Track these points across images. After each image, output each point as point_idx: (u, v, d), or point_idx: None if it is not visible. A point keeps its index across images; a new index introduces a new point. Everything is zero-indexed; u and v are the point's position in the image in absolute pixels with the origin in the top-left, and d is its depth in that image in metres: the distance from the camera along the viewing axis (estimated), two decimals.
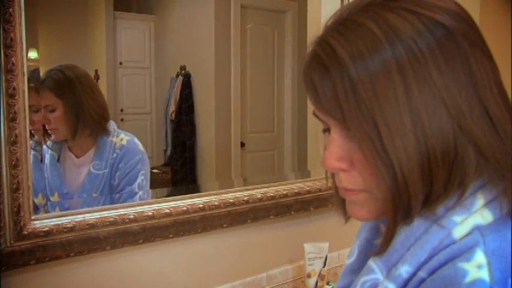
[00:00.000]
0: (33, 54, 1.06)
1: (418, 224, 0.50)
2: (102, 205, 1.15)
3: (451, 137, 0.48)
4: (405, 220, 0.51)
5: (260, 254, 1.36)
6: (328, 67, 0.49)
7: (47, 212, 1.13)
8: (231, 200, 1.24)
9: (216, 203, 1.22)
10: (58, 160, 1.22)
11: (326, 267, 1.36)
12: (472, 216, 0.48)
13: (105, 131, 1.26)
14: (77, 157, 1.24)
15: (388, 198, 0.49)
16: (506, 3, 1.68)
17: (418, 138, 0.47)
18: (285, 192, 1.35)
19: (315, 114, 0.55)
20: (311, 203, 1.41)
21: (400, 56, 0.47)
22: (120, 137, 1.27)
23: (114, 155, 1.24)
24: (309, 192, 1.40)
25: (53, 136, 1.21)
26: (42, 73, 1.18)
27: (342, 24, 0.51)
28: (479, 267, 0.44)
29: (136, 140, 1.31)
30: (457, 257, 0.46)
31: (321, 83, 0.50)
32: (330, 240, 1.38)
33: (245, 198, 1.27)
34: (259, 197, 1.29)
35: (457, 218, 0.48)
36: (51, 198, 1.19)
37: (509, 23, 1.63)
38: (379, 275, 0.52)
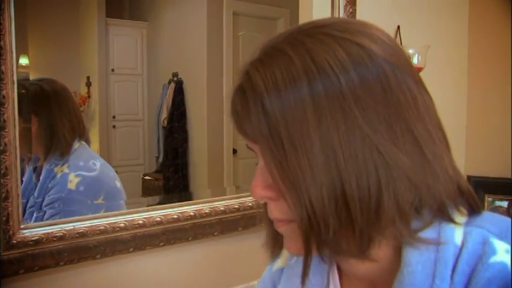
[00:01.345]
0: (23, 61, 1.05)
1: (420, 253, 0.48)
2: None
3: (372, 171, 0.45)
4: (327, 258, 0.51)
5: (251, 262, 1.35)
6: (247, 95, 0.48)
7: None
8: (222, 208, 1.24)
9: (207, 211, 1.22)
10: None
11: None
12: (455, 223, 0.48)
13: (63, 156, 1.20)
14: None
15: (301, 229, 0.47)
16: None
17: (330, 173, 0.45)
18: None
19: (247, 144, 0.54)
20: None
21: (316, 88, 0.45)
22: (68, 174, 1.18)
23: (47, 185, 1.17)
24: None
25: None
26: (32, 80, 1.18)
27: (264, 52, 0.50)
28: (507, 251, 0.45)
29: (88, 183, 1.19)
30: (480, 257, 0.45)
31: (242, 110, 0.49)
32: None
33: (236, 206, 1.27)
34: (250, 204, 1.29)
35: (450, 228, 0.48)
36: None
37: (510, 23, 1.64)
38: None
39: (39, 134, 1.17)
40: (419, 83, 0.50)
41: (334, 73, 0.45)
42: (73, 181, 1.15)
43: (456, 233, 0.48)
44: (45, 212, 1.12)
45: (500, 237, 0.46)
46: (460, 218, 0.49)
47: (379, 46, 0.48)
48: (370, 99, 0.45)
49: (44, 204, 1.13)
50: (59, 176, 1.16)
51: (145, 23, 1.88)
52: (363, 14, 1.54)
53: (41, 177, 1.16)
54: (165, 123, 1.90)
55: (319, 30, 0.48)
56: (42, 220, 1.10)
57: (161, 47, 1.93)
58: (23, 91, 1.04)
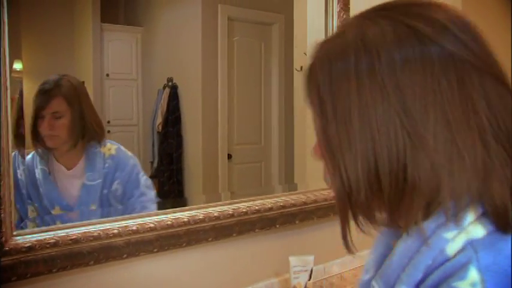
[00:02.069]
0: (17, 66, 1.05)
1: (411, 242, 0.50)
2: (101, 217, 1.17)
3: (400, 149, 0.48)
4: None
5: (245, 267, 1.36)
6: (310, 64, 0.56)
7: (38, 226, 1.14)
8: (216, 214, 1.24)
9: (200, 216, 1.22)
10: (49, 173, 1.21)
11: (311, 280, 1.36)
12: (464, 231, 0.48)
13: (100, 141, 1.28)
14: (68, 169, 1.23)
15: (336, 195, 0.53)
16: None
17: (365, 143, 0.49)
18: (270, 205, 1.35)
19: None
20: (296, 216, 1.41)
21: (360, 65, 0.50)
22: (108, 147, 1.28)
23: (106, 165, 1.25)
24: (294, 205, 1.40)
25: (48, 142, 1.20)
26: (25, 85, 1.18)
27: (335, 31, 0.58)
28: (473, 285, 0.44)
29: (122, 147, 1.33)
30: (452, 276, 0.46)
31: (304, 77, 0.57)
32: (316, 253, 1.38)
33: (230, 212, 1.27)
34: (244, 210, 1.29)
35: (448, 235, 0.48)
36: (52, 212, 1.18)
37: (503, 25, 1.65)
38: None
39: (71, 124, 1.22)
40: (490, 75, 0.50)
41: (377, 52, 0.49)
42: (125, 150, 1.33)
43: (452, 244, 0.48)
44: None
45: (482, 270, 0.45)
46: (475, 228, 0.48)
47: (436, 30, 0.49)
48: (408, 80, 0.48)
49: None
50: (113, 153, 1.28)
51: (140, 28, 1.88)
52: None
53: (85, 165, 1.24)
54: (160, 128, 1.90)
55: (380, 13, 0.53)
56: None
57: (156, 52, 1.93)
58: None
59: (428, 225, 0.49)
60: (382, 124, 0.48)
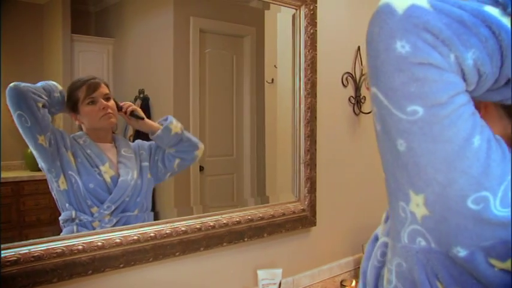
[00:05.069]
0: None
1: None
2: None
3: None
4: None
5: (214, 281, 1.35)
6: None
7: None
8: (183, 228, 1.24)
9: (167, 231, 1.21)
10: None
11: None
12: None
13: None
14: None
15: None
16: None
17: None
18: (238, 219, 1.36)
19: None
20: (265, 229, 1.42)
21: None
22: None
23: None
24: (262, 218, 1.41)
25: (104, 123, 1.31)
26: None
27: None
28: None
29: None
30: None
31: None
32: (284, 266, 1.39)
33: (198, 226, 1.27)
34: (212, 224, 1.29)
35: None
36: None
37: None
38: None
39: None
40: None
41: None
42: None
43: None
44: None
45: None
46: None
47: None
48: None
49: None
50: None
51: (112, 39, 1.87)
52: (323, 35, 1.58)
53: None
54: (131, 140, 1.89)
55: None
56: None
57: (127, 64, 1.92)
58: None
59: None
60: None
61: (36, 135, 1.12)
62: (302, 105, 1.64)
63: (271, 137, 1.85)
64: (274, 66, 1.81)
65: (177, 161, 1.43)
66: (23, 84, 1.15)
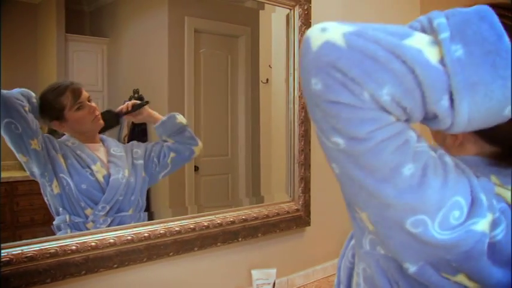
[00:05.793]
0: None
1: None
2: None
3: None
4: None
5: (208, 282, 1.36)
6: None
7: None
8: (177, 229, 1.24)
9: (161, 231, 1.21)
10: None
11: None
12: None
13: None
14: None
15: None
16: None
17: None
18: (232, 219, 1.36)
19: None
20: (259, 229, 1.42)
21: None
22: None
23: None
24: (256, 218, 1.41)
25: (95, 125, 1.32)
26: None
27: None
28: None
29: None
30: None
31: None
32: (278, 266, 1.39)
33: (191, 226, 1.27)
34: (206, 224, 1.29)
35: None
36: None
37: None
38: None
39: None
40: None
41: None
42: None
43: None
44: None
45: None
46: None
47: None
48: None
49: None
50: None
51: (106, 39, 1.86)
52: None
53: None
54: (126, 140, 1.88)
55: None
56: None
57: (122, 64, 1.91)
58: None
59: None
60: None
61: (29, 140, 1.11)
62: (296, 105, 1.64)
63: (266, 137, 1.85)
64: (269, 66, 1.81)
65: (172, 154, 1.42)
66: (4, 91, 1.11)
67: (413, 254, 0.51)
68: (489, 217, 0.50)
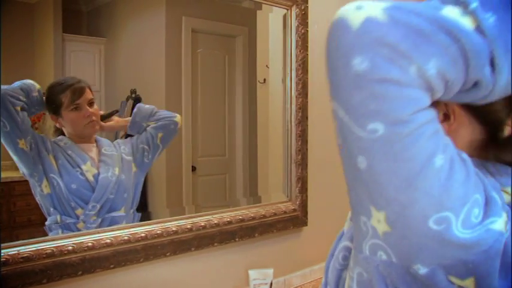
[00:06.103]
0: None
1: None
2: None
3: None
4: None
5: (205, 282, 1.36)
6: None
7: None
8: (174, 229, 1.24)
9: (158, 231, 1.21)
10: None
11: None
12: None
13: None
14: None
15: None
16: None
17: None
18: (229, 219, 1.36)
19: None
20: (256, 229, 1.42)
21: None
22: None
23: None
24: (253, 218, 1.41)
25: (88, 130, 1.29)
26: None
27: None
28: None
29: None
30: None
31: None
32: (275, 266, 1.39)
33: (188, 226, 1.27)
34: (202, 224, 1.29)
35: None
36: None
37: None
38: None
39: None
40: None
41: None
42: None
43: None
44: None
45: None
46: None
47: None
48: None
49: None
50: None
51: (104, 39, 1.86)
52: (314, 35, 1.58)
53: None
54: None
55: None
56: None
57: (119, 64, 1.91)
58: None
59: None
60: None
61: (16, 139, 1.11)
62: (293, 105, 1.64)
63: (264, 137, 1.85)
64: (266, 66, 1.81)
65: (159, 134, 1.43)
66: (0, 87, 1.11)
67: (429, 255, 0.50)
68: (504, 216, 0.50)
